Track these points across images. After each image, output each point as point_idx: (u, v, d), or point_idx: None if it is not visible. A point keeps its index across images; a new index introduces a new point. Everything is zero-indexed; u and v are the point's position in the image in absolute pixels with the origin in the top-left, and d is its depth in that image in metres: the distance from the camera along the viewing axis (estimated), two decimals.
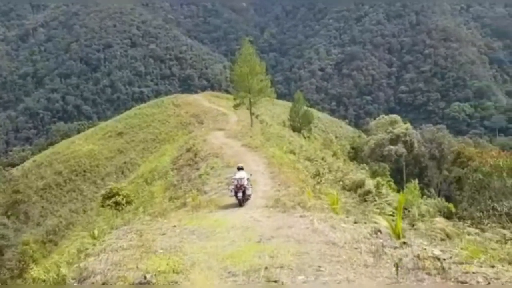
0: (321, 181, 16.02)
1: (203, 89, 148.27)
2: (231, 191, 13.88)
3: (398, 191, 24.96)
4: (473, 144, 57.84)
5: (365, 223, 8.87)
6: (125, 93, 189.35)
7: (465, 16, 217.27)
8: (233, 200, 13.83)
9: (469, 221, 10.18)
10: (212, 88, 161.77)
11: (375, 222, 8.27)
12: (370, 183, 16.66)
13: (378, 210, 11.85)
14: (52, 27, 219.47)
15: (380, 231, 7.76)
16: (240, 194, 13.64)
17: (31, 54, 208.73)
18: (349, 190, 16.46)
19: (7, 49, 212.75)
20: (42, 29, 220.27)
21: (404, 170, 47.58)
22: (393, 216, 7.90)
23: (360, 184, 16.18)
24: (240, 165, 15.39)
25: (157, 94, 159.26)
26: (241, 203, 13.70)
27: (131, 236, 9.79)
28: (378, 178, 15.38)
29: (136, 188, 25.41)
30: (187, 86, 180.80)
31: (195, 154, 24.24)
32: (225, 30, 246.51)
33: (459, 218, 13.51)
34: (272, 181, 17.37)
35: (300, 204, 12.15)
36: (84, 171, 48.25)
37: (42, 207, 45.12)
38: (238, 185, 13.65)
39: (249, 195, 14.05)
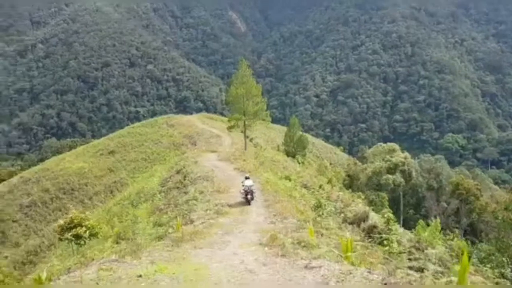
0: (322, 213, 14.52)
1: (199, 111, 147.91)
2: (242, 194, 18.39)
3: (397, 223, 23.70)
4: (471, 176, 57.24)
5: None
6: (121, 112, 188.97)
7: (458, 49, 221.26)
8: (243, 199, 17.78)
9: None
10: (208, 110, 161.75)
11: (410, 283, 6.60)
12: (374, 216, 15.47)
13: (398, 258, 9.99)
14: (52, 44, 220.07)
15: None
16: (249, 196, 18.10)
17: (29, 70, 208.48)
18: (351, 223, 15.09)
19: (4, 64, 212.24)
20: (41, 46, 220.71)
21: (401, 200, 46.67)
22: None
23: (363, 217, 14.80)
24: (247, 175, 20.29)
25: (153, 114, 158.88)
26: (249, 202, 17.89)
27: None
28: (388, 213, 14.04)
29: (121, 210, 24.27)
30: (182, 108, 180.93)
31: (185, 177, 23.04)
32: (223, 54, 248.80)
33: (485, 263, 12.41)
34: (266, 211, 15.70)
35: (301, 243, 10.26)
36: (72, 189, 46.86)
37: (26, 225, 43.49)
38: (248, 190, 18.13)
39: (254, 195, 18.29)
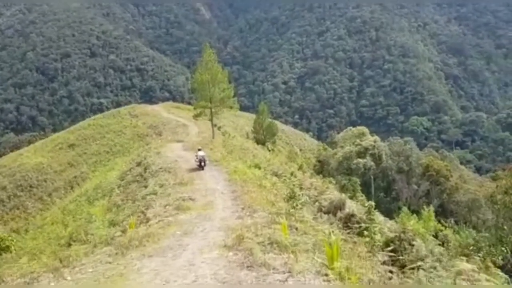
0: (297, 205, 12.38)
1: (165, 101, 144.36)
2: (196, 162, 22.75)
3: None
4: (439, 157, 57.80)
5: None
6: (83, 104, 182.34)
7: (422, 33, 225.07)
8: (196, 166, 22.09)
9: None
10: (175, 100, 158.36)
11: None
12: (351, 204, 14.28)
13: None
14: (7, 35, 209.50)
15: None
16: (202, 163, 22.58)
17: None
18: (326, 213, 13.74)
19: None
20: None
21: (372, 184, 46.45)
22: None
23: (339, 206, 13.52)
24: (199, 147, 25.12)
25: (117, 105, 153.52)
26: (202, 167, 22.41)
27: None
28: (371, 202, 12.86)
29: (77, 207, 22.42)
30: (148, 98, 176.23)
31: (145, 169, 21.36)
32: (188, 42, 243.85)
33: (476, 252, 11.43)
34: (234, 203, 14.04)
35: (273, 244, 8.49)
36: (31, 186, 44.17)
37: None
38: (201, 159, 22.60)
39: (206, 163, 22.85)
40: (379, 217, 13.78)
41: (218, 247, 9.08)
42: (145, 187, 17.10)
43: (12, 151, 68.57)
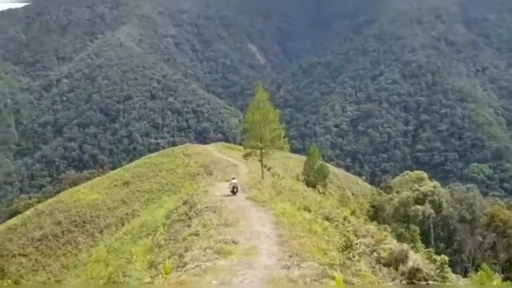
0: (353, 256, 10.73)
1: (218, 142, 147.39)
2: (230, 188, 26.37)
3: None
4: (506, 206, 53.33)
5: None
6: (141, 143, 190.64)
7: (480, 78, 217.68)
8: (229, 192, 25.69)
9: None
10: (227, 141, 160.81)
11: None
12: (415, 257, 12.57)
13: None
14: (76, 78, 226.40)
15: None
16: (235, 190, 26.10)
17: (53, 104, 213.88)
18: (386, 266, 12.09)
19: (30, 98, 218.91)
20: (66, 80, 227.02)
21: (431, 234, 43.23)
22: None
23: (401, 258, 11.86)
24: (233, 176, 29.92)
25: (173, 145, 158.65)
26: (235, 193, 25.85)
27: None
28: (443, 256, 11.21)
29: (121, 246, 22.18)
30: (202, 139, 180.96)
31: (191, 207, 20.98)
32: (243, 86, 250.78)
33: None
34: (280, 250, 12.39)
35: None
36: (84, 222, 45.25)
37: (36, 260, 41.87)
38: (234, 186, 26.29)
39: (238, 189, 26.46)
40: (451, 274, 11.76)
41: None
42: (189, 226, 16.35)
43: (70, 187, 71.59)
